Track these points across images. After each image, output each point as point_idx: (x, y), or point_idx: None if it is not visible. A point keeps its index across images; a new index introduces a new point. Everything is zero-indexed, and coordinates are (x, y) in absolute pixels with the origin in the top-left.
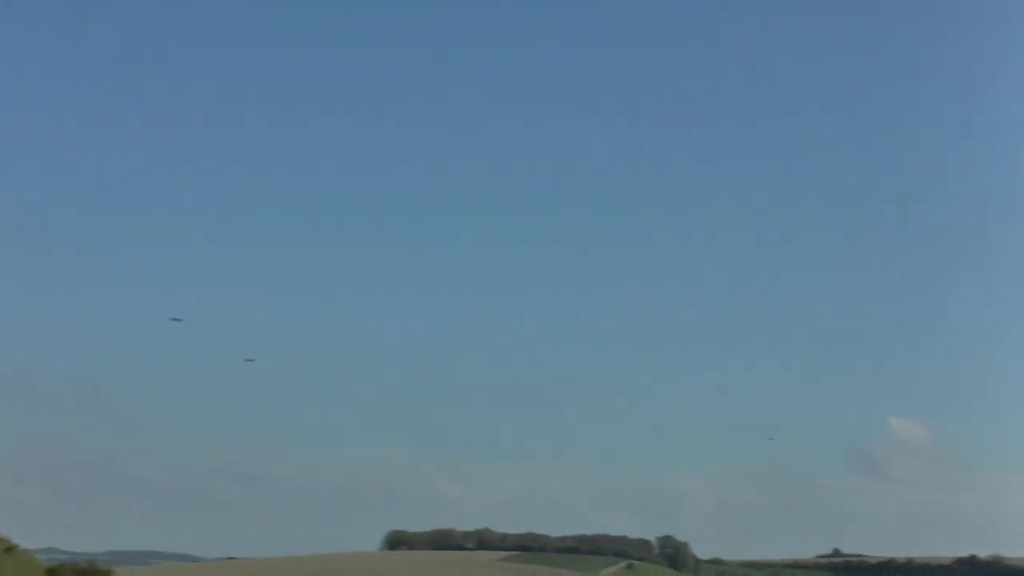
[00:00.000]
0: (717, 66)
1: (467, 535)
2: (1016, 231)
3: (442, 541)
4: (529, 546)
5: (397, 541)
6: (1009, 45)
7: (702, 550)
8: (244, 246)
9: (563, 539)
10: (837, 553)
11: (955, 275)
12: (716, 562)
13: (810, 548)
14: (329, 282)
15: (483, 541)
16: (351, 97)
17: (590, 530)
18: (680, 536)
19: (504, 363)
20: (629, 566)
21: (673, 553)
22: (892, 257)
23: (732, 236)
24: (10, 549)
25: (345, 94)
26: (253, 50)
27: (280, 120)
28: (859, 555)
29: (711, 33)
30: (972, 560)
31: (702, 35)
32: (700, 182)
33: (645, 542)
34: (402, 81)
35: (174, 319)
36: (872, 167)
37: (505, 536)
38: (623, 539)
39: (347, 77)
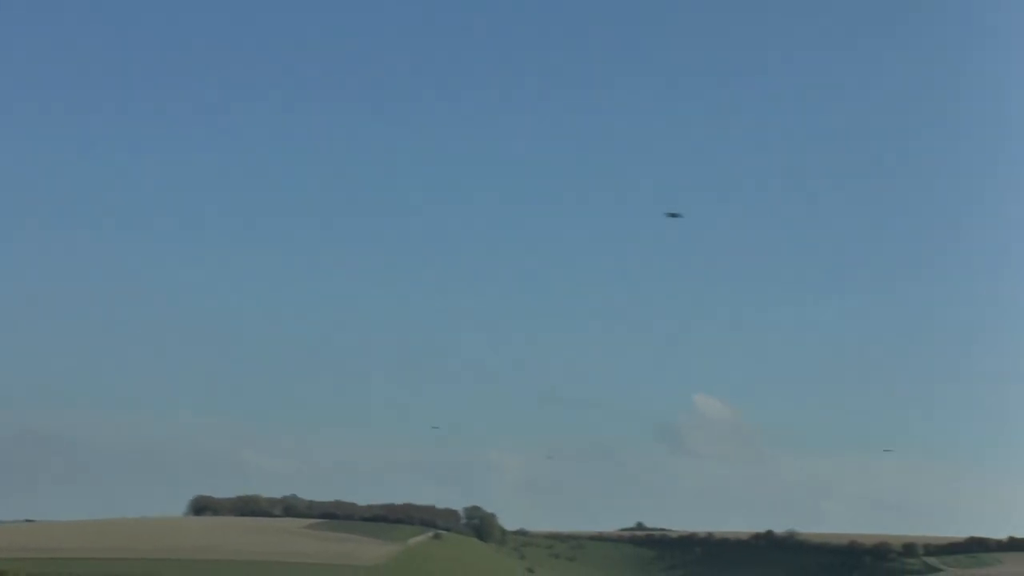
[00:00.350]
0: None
1: (273, 502)
2: (810, 220)
3: (248, 507)
4: (336, 514)
5: (202, 506)
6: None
7: (509, 521)
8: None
9: (371, 508)
10: (640, 527)
11: (762, 262)
12: (522, 533)
13: (614, 521)
14: (131, 243)
15: (290, 508)
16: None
17: (398, 499)
18: (488, 507)
19: (313, 330)
20: (436, 536)
21: (480, 524)
22: (704, 237)
23: (543, 210)
24: None
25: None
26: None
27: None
28: (662, 529)
29: None
30: (768, 535)
31: None
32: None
33: (453, 512)
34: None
35: None
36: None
37: (312, 504)
38: (431, 509)
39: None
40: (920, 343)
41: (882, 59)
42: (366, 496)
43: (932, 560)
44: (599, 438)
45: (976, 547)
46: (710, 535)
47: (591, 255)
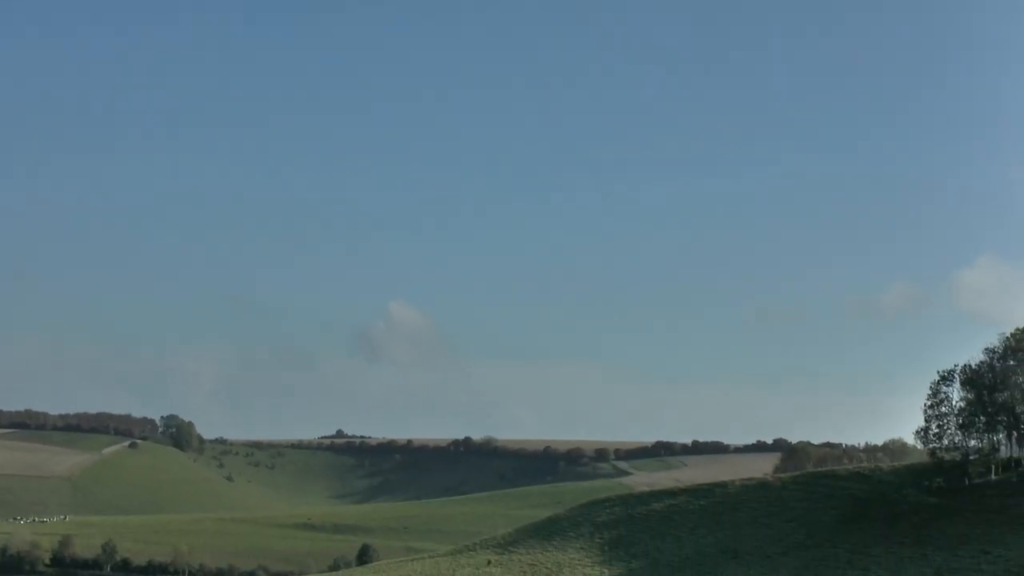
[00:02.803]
0: None
1: None
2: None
3: None
4: (27, 424)
5: None
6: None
7: (207, 430)
8: None
9: (64, 417)
10: (340, 434)
11: (461, 167)
12: (221, 442)
13: (314, 430)
14: None
15: None
16: None
17: (93, 409)
18: (185, 416)
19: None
20: (132, 445)
21: (177, 433)
22: (405, 145)
23: (252, 126)
24: None
25: None
26: None
27: None
28: (361, 436)
29: None
30: (467, 442)
31: None
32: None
33: (150, 421)
34: None
35: None
36: None
37: (1, 413)
38: (127, 418)
39: None
40: (621, 257)
41: None
42: (59, 405)
43: (622, 464)
44: (295, 345)
45: (663, 451)
46: (409, 442)
47: (291, 165)
